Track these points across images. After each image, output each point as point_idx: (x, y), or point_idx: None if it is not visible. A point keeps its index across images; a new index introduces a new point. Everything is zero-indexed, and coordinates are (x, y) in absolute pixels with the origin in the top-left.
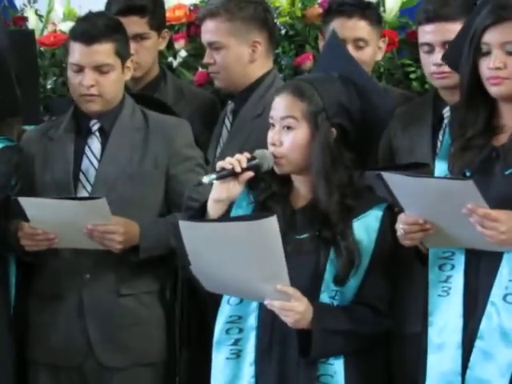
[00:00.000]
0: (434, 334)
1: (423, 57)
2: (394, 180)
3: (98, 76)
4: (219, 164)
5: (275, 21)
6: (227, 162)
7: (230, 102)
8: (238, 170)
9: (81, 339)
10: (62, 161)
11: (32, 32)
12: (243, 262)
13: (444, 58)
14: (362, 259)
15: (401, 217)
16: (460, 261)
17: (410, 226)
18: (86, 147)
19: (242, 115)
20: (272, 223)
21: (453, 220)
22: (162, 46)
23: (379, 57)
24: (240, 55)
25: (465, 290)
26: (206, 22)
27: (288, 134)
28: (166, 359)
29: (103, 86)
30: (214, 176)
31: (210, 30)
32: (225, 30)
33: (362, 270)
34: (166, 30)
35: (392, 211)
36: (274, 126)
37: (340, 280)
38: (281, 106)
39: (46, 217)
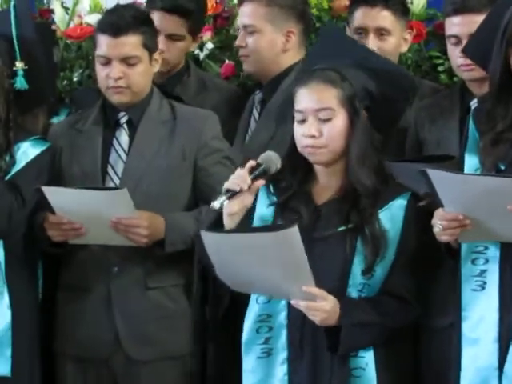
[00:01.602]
0: (468, 329)
1: (450, 49)
2: (440, 177)
3: (126, 68)
4: (226, 186)
5: None
6: (233, 183)
7: (257, 91)
8: (245, 188)
9: (108, 332)
10: (90, 153)
11: (48, 24)
12: (267, 267)
13: (465, 50)
14: (387, 249)
15: (439, 212)
16: (494, 255)
17: (449, 221)
18: (114, 140)
19: (271, 105)
20: (293, 233)
21: (493, 215)
22: (193, 48)
23: (405, 48)
24: (273, 42)
25: (500, 283)
26: (245, 4)
27: (326, 123)
28: (193, 352)
29: (131, 78)
30: (223, 198)
31: (247, 13)
32: (262, 15)
33: (388, 261)
34: (201, 34)
35: (416, 200)
36: (303, 120)
37: (367, 269)
38: (313, 98)
39: (69, 207)
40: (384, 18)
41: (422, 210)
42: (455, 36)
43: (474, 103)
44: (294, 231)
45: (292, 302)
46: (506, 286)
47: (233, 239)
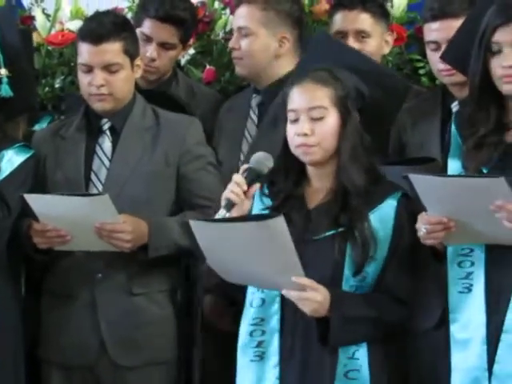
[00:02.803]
0: (456, 331)
1: (430, 54)
2: (421, 180)
3: (108, 75)
4: (224, 196)
5: None
6: (231, 193)
7: (254, 95)
8: (243, 197)
9: (94, 338)
10: (73, 160)
11: (28, 30)
12: (255, 257)
13: (444, 56)
14: (378, 249)
15: (423, 216)
16: (479, 257)
17: (434, 225)
18: (97, 146)
19: (273, 110)
20: (279, 223)
21: (477, 217)
22: (182, 55)
23: (386, 51)
24: (266, 46)
25: (486, 285)
26: (242, 7)
27: (318, 122)
28: (178, 358)
29: (113, 85)
30: (224, 211)
31: (242, 15)
32: (257, 18)
33: (380, 261)
34: (190, 42)
35: (407, 199)
36: (296, 119)
37: (356, 269)
38: (305, 97)
39: (53, 213)
40: (362, 20)
41: (412, 210)
42: (434, 42)
43: (455, 105)
44: (280, 221)
45: (283, 292)
46: (492, 288)
47: (220, 228)
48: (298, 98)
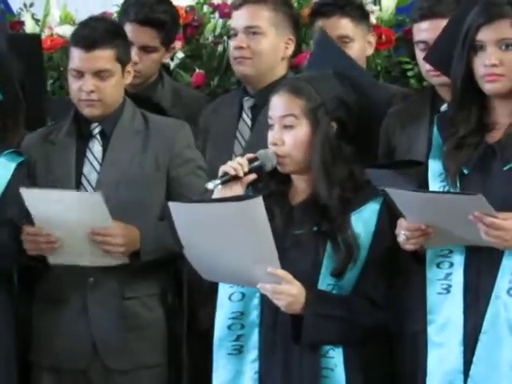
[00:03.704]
0: (433, 333)
1: (419, 55)
2: (399, 195)
3: (98, 81)
4: (222, 169)
5: None
6: (230, 167)
7: (247, 98)
8: (241, 174)
9: (86, 342)
10: (63, 165)
11: (37, 36)
12: (232, 243)
13: (427, 58)
14: (359, 252)
15: (402, 223)
16: (459, 258)
17: (413, 231)
18: (88, 151)
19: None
20: (257, 204)
21: (455, 225)
22: (167, 58)
23: (370, 52)
24: (276, 46)
25: (465, 286)
26: (247, 7)
27: (289, 132)
28: (169, 361)
29: (103, 91)
30: (218, 181)
31: (251, 14)
32: (268, 18)
33: (359, 264)
34: (174, 44)
35: (389, 204)
36: (273, 126)
37: (338, 274)
38: (279, 105)
39: (45, 210)
40: (343, 26)
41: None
42: (423, 42)
43: (444, 108)
44: (258, 201)
45: (258, 285)
46: (470, 289)
47: (198, 209)
48: (273, 105)
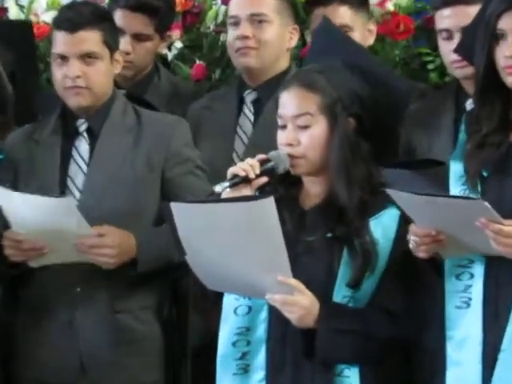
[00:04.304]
0: (452, 350)
1: (442, 44)
2: (400, 197)
3: (85, 66)
4: (231, 170)
5: None
6: (240, 168)
7: (248, 91)
8: (252, 176)
9: (72, 358)
10: (48, 166)
11: (29, 23)
12: (240, 248)
13: (458, 49)
14: (378, 261)
15: (412, 228)
16: (479, 269)
17: (422, 238)
18: (74, 150)
19: (272, 107)
20: (269, 204)
21: (467, 232)
22: (162, 48)
23: (371, 41)
24: (282, 36)
25: (484, 300)
26: None
27: (304, 131)
28: (165, 378)
29: (90, 77)
30: (227, 184)
31: (255, 2)
32: (274, 6)
33: (378, 273)
34: (169, 32)
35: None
36: (284, 126)
37: (354, 283)
38: (292, 103)
39: (21, 215)
40: (341, 14)
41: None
42: (446, 30)
43: (469, 104)
44: (270, 202)
45: (266, 296)
46: (489, 302)
47: (202, 210)
48: (284, 103)
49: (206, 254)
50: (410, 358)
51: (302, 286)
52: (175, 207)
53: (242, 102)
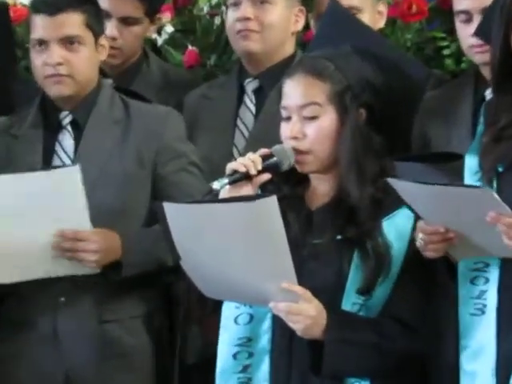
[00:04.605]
0: (466, 361)
1: (460, 27)
2: (403, 187)
3: (67, 52)
4: (230, 166)
5: None
6: (240, 164)
7: (249, 79)
8: (253, 172)
9: (56, 372)
10: (28, 162)
11: (4, 4)
12: (240, 253)
13: (477, 32)
14: (392, 265)
15: (420, 225)
16: (495, 273)
17: (430, 235)
18: (57, 144)
19: (276, 96)
20: (271, 205)
21: (478, 228)
22: (151, 32)
23: (381, 23)
24: (287, 18)
25: (498, 307)
26: None
27: (311, 123)
28: None
29: (73, 64)
30: (226, 180)
31: None
32: None
33: (391, 279)
34: (159, 15)
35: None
36: (289, 117)
37: (366, 289)
38: (297, 92)
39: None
40: None
41: None
42: (465, 12)
43: (489, 93)
44: (272, 202)
45: (270, 304)
46: (504, 310)
47: (199, 211)
48: (289, 93)
49: (202, 259)
50: (426, 373)
51: (308, 294)
52: (169, 208)
53: (242, 91)
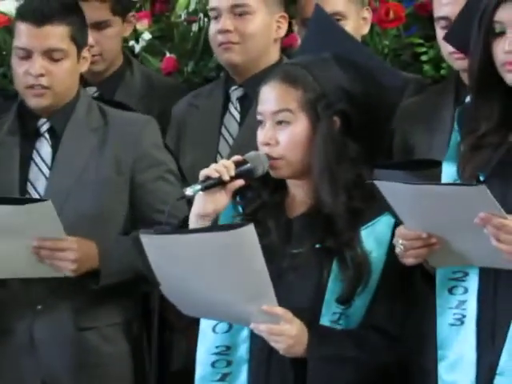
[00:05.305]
0: (445, 371)
1: (440, 33)
2: (390, 189)
3: (49, 64)
4: (203, 172)
5: None
6: (213, 170)
7: (234, 87)
8: (226, 178)
9: (33, 379)
10: (5, 170)
11: None
12: (219, 279)
13: (447, 37)
14: (371, 274)
15: (400, 230)
16: (474, 283)
17: (411, 241)
18: (34, 152)
19: None
20: (249, 233)
21: (463, 233)
22: (127, 32)
23: (366, 30)
24: (267, 27)
25: (478, 317)
26: None
27: (283, 129)
28: None
29: (54, 76)
30: (198, 187)
31: None
32: None
33: (371, 288)
34: (133, 13)
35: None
36: (263, 123)
37: (345, 299)
38: (271, 98)
39: None
40: (334, 1)
41: None
42: (445, 18)
43: (469, 99)
44: (250, 231)
45: (251, 325)
46: (485, 320)
47: (176, 242)
48: (263, 99)
49: (182, 285)
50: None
51: (289, 315)
52: (146, 239)
53: (228, 99)
